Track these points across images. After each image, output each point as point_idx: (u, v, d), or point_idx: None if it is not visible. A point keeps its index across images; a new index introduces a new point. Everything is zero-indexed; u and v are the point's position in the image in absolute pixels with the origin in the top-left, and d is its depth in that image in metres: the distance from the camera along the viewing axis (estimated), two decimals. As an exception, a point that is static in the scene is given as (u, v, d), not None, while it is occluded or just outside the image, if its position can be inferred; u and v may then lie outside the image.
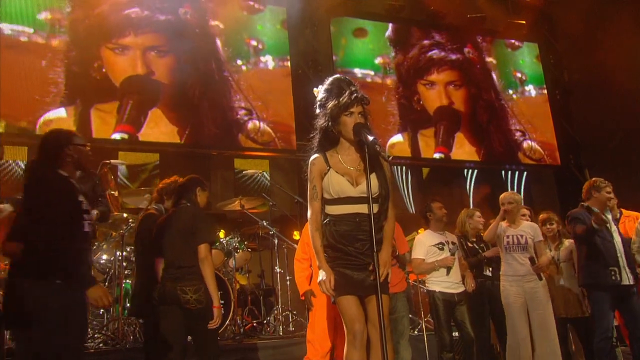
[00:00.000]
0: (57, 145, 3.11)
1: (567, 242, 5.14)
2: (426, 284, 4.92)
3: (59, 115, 7.03)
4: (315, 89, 3.05)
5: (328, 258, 2.79)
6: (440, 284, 4.73)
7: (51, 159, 3.07)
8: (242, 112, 8.18)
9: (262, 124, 8.24)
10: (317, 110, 2.96)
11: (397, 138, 9.32)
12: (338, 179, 2.82)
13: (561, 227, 5.25)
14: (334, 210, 2.84)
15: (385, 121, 9.17)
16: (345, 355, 2.72)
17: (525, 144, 10.24)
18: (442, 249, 4.77)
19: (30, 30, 7.16)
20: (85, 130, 7.02)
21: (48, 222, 2.88)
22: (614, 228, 4.63)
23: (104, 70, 7.44)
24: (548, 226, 5.24)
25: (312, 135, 3.00)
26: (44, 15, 7.27)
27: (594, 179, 4.82)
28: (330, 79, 2.99)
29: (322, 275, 2.75)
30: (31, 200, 3.01)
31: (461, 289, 4.78)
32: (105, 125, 7.30)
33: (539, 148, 10.31)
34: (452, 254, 4.77)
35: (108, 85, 7.42)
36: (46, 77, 7.06)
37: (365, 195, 2.75)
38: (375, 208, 2.76)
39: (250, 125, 8.15)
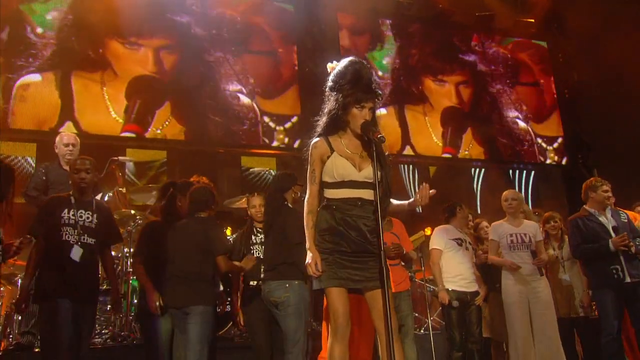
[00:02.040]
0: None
1: None
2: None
3: (34, 80, 7.06)
4: (330, 63, 2.92)
5: (325, 243, 2.73)
6: (454, 283, 4.75)
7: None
8: (249, 109, 8.21)
9: (269, 122, 8.29)
10: (327, 90, 2.86)
11: (382, 111, 9.12)
12: (343, 163, 2.77)
13: (564, 225, 5.21)
14: (335, 194, 2.79)
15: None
16: (328, 346, 2.72)
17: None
18: (460, 245, 4.84)
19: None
20: (68, 95, 7.14)
21: None
22: (612, 226, 4.59)
23: (100, 51, 7.50)
24: (552, 223, 5.22)
25: (316, 118, 2.92)
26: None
27: (590, 179, 4.82)
28: (347, 60, 2.84)
29: (308, 257, 2.70)
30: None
31: (474, 287, 4.79)
32: (87, 92, 7.31)
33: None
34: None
35: (100, 62, 7.48)
36: (33, 44, 7.13)
37: (369, 180, 2.74)
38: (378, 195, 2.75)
39: (257, 122, 8.19)
